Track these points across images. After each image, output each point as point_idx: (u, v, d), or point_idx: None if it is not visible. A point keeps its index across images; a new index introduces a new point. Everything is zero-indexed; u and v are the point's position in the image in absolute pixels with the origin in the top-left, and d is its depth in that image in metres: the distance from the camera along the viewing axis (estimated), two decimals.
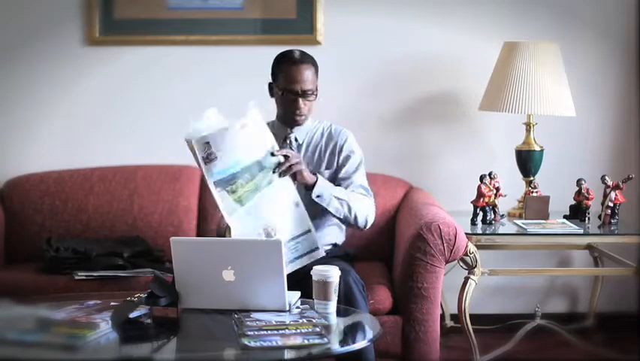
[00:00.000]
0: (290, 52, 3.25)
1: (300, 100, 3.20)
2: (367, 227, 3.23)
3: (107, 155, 4.07)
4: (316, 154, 3.30)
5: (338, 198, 3.14)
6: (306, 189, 3.12)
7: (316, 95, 3.24)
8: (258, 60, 3.98)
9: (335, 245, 3.34)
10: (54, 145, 4.10)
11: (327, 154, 3.30)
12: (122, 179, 3.92)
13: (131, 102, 4.10)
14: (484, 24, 4.09)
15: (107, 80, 4.10)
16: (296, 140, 3.29)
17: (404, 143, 4.14)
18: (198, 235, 3.85)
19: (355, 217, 3.17)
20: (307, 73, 3.19)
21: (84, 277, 3.45)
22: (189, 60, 4.10)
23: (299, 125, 3.29)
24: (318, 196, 3.10)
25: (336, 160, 3.29)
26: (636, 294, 3.98)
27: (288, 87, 3.20)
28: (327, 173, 3.28)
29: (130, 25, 4.06)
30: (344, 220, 3.20)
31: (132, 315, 2.58)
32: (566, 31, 4.08)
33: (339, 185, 3.24)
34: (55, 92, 4.08)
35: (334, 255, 3.28)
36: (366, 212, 3.20)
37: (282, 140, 3.28)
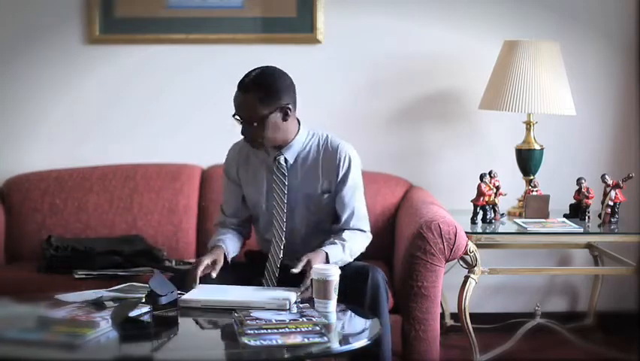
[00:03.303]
0: (247, 74, 3.03)
1: (245, 126, 3.00)
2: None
3: (106, 154, 4.07)
4: (311, 173, 3.11)
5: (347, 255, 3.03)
6: None
7: (265, 124, 2.98)
8: (258, 59, 3.97)
9: None
10: (54, 144, 4.09)
11: (323, 172, 3.10)
12: (122, 178, 3.91)
13: (131, 101, 4.10)
14: (483, 23, 4.09)
15: (107, 79, 4.10)
16: (285, 161, 3.09)
17: (404, 142, 4.13)
18: (198, 233, 3.85)
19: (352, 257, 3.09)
20: (245, 102, 2.98)
21: (84, 276, 3.45)
22: (189, 59, 4.09)
23: (257, 149, 3.08)
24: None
25: (334, 184, 3.10)
26: (636, 293, 3.98)
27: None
28: (325, 196, 3.11)
29: (130, 23, 4.06)
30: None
31: (132, 314, 2.58)
32: (566, 30, 4.07)
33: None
34: (56, 91, 4.08)
35: None
36: (360, 248, 3.11)
37: (273, 160, 3.11)
